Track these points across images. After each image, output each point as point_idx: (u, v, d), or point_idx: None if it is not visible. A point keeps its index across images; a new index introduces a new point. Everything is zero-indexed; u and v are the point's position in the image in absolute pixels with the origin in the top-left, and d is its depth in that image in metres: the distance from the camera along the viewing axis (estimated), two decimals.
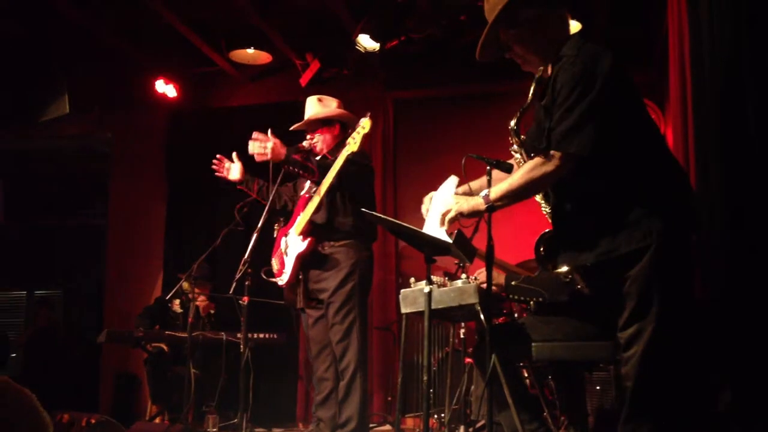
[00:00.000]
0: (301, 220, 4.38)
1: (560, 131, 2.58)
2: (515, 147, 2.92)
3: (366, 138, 4.26)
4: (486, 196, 2.72)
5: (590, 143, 2.55)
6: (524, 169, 2.70)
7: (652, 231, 2.54)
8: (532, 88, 2.78)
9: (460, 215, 2.78)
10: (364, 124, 4.21)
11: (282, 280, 4.51)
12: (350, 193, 4.42)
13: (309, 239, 4.37)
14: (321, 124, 4.59)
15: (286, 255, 4.49)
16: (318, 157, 4.62)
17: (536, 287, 3.40)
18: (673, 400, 2.59)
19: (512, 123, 2.85)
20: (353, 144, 4.17)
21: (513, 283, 3.38)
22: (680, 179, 2.76)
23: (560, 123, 2.58)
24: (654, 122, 2.85)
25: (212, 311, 6.52)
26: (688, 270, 2.75)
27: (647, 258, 2.54)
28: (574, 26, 2.90)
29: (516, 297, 3.54)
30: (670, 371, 2.58)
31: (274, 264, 4.60)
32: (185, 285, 5.73)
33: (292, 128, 4.68)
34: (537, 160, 2.66)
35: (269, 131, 4.22)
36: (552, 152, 2.61)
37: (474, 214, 2.78)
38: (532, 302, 3.45)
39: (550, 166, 2.62)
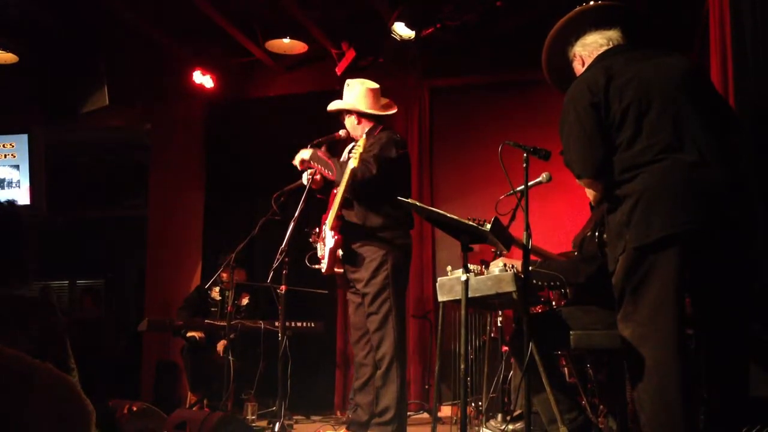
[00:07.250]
0: (331, 215, 4.41)
1: (566, 161, 2.85)
2: None
3: (402, 131, 4.27)
4: None
5: (593, 167, 2.74)
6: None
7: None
8: None
9: None
10: (360, 143, 4.36)
11: (323, 267, 4.53)
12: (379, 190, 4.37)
13: (337, 237, 4.36)
14: (345, 111, 4.61)
15: (324, 244, 4.51)
16: (350, 146, 4.66)
17: (552, 272, 3.38)
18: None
19: None
20: (354, 160, 4.23)
21: (530, 268, 3.33)
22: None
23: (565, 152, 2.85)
24: (669, 120, 2.68)
25: (246, 301, 6.57)
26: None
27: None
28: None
29: (535, 282, 3.52)
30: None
31: (319, 249, 4.59)
32: (224, 274, 5.82)
33: (329, 110, 4.69)
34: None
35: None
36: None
37: None
38: (568, 291, 3.41)
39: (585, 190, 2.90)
